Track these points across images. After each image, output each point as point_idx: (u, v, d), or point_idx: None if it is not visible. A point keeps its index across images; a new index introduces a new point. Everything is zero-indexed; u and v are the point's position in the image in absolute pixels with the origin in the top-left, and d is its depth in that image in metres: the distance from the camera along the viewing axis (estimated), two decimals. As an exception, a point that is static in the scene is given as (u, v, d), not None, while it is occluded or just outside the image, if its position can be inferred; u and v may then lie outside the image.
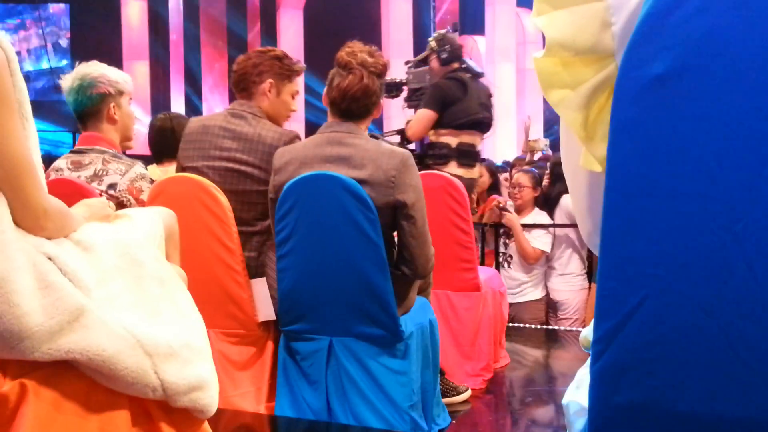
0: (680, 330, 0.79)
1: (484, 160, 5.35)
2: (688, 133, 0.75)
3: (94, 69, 2.48)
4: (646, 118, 0.78)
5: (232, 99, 2.66)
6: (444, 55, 3.70)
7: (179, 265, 1.67)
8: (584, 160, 1.04)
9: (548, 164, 4.83)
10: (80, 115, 2.51)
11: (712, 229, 0.77)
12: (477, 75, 3.75)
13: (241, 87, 2.45)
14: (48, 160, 2.67)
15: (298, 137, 2.40)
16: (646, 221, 0.80)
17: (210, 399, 1.42)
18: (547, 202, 4.45)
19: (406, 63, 4.10)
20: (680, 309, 0.79)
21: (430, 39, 3.85)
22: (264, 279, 2.33)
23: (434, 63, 3.77)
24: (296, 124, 13.79)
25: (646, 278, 0.80)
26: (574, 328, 4.23)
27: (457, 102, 3.58)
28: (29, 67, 15.05)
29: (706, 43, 0.73)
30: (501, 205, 4.38)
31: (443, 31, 3.91)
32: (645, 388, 0.81)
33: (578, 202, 1.18)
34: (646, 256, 0.80)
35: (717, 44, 0.73)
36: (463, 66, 3.74)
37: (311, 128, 13.23)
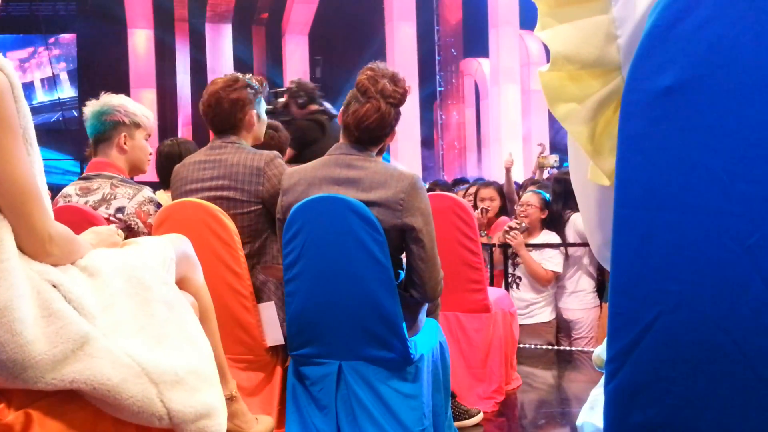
0: (696, 347, 0.77)
1: (492, 182, 5.34)
2: (698, 145, 0.74)
3: (117, 99, 2.54)
4: (655, 131, 0.76)
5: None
6: (300, 100, 3.93)
7: (202, 285, 1.67)
8: (592, 174, 1.02)
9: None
10: (94, 140, 2.56)
11: (725, 243, 0.75)
12: (332, 116, 3.95)
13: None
14: (56, 188, 2.69)
15: (278, 157, 2.41)
16: (657, 235, 0.78)
17: (218, 427, 1.40)
18: (553, 221, 4.42)
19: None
20: (695, 325, 0.77)
21: (288, 86, 4.09)
22: (272, 303, 2.31)
23: (293, 108, 3.97)
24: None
25: (659, 294, 0.78)
26: (585, 349, 4.18)
27: (316, 141, 3.76)
28: (43, 97, 15.23)
29: (714, 54, 0.72)
30: (507, 228, 4.36)
31: (296, 79, 4.24)
32: (662, 407, 0.78)
33: (588, 217, 1.16)
34: (658, 271, 0.78)
35: (726, 54, 0.71)
36: (321, 108, 3.94)
37: (318, 152, 13.26)
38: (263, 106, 2.55)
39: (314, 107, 3.93)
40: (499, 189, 4.99)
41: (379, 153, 2.36)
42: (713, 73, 0.72)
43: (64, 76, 15.44)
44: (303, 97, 3.92)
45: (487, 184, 5.25)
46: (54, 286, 1.26)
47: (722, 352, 0.75)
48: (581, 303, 4.31)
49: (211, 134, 2.53)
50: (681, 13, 0.75)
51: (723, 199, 0.73)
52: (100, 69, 13.66)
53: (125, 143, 2.52)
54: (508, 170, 5.44)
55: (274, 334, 2.32)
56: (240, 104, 2.41)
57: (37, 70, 15.34)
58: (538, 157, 6.63)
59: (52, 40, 15.22)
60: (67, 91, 14.98)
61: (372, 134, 2.15)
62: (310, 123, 3.86)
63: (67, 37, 15.41)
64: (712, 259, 0.76)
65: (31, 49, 15.37)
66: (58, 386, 1.22)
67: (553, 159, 6.50)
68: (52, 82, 15.05)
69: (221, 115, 2.41)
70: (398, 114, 2.21)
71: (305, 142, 3.77)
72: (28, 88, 14.72)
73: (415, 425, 2.12)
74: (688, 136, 0.74)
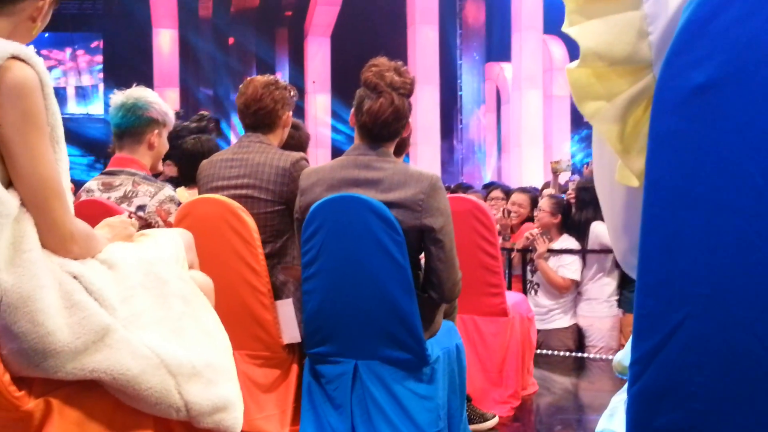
0: (724, 351, 0.75)
1: (529, 190, 5.32)
2: (732, 144, 0.72)
3: (152, 95, 2.51)
4: (688, 129, 0.75)
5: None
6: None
7: (200, 270, 1.67)
8: (620, 175, 1.01)
9: (574, 189, 4.77)
10: (121, 132, 2.49)
11: (757, 245, 0.73)
12: None
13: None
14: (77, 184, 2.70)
15: (304, 159, 2.41)
16: (687, 237, 0.76)
17: (234, 420, 1.40)
18: (575, 227, 4.39)
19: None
20: (724, 329, 0.75)
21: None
22: (290, 300, 2.32)
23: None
24: (322, 149, 13.90)
25: (688, 296, 0.77)
26: (603, 356, 4.14)
27: None
28: (75, 108, 15.48)
29: (751, 50, 0.71)
30: (530, 238, 4.33)
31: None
32: (687, 411, 0.77)
33: (613, 220, 1.14)
34: (687, 273, 0.77)
35: (762, 52, 0.70)
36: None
37: (336, 153, 13.31)
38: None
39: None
40: (533, 198, 4.94)
41: (400, 154, 2.35)
42: (748, 70, 0.70)
43: (93, 85, 15.69)
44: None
45: (524, 190, 5.25)
46: (75, 277, 1.27)
47: (751, 356, 0.73)
48: (594, 311, 4.28)
49: (232, 137, 2.54)
50: (716, 9, 0.73)
51: (756, 200, 0.72)
52: (125, 67, 13.80)
53: (155, 141, 2.52)
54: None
55: (291, 331, 2.32)
56: (282, 103, 2.46)
57: (71, 77, 15.62)
58: (551, 163, 6.65)
59: (80, 52, 15.45)
60: (97, 106, 15.17)
61: (390, 128, 2.14)
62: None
63: (95, 43, 15.66)
64: (743, 262, 0.74)
65: (61, 55, 15.61)
66: (78, 376, 1.23)
67: (565, 163, 6.48)
68: (83, 93, 15.26)
69: (262, 111, 2.44)
70: (410, 105, 2.19)
71: None
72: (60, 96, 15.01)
73: (430, 427, 2.11)
74: (721, 136, 0.73)
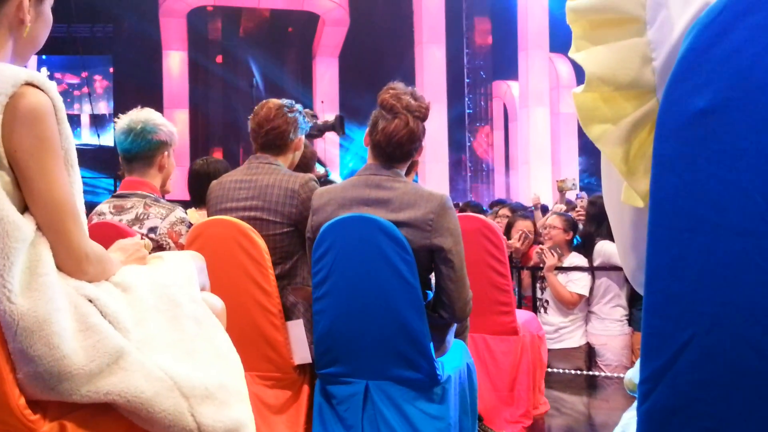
0: (730, 369, 0.76)
1: (529, 215, 5.35)
2: (733, 167, 0.74)
3: (156, 116, 2.51)
4: (689, 152, 0.76)
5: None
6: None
7: (211, 291, 1.68)
8: (626, 196, 1.02)
9: (584, 206, 4.80)
10: (131, 157, 2.50)
11: (759, 265, 0.74)
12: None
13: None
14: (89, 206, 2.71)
15: (313, 180, 2.43)
16: (691, 258, 0.78)
17: (246, 442, 1.40)
18: (584, 244, 4.39)
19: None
20: (730, 348, 0.76)
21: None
22: (300, 321, 2.32)
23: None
24: (330, 168, 13.94)
25: (693, 315, 0.78)
26: (615, 375, 4.12)
27: None
28: (89, 138, 15.56)
29: (749, 77, 0.72)
30: (540, 253, 4.35)
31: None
32: (696, 429, 0.78)
33: (621, 239, 1.16)
34: (692, 293, 0.78)
35: (761, 77, 0.71)
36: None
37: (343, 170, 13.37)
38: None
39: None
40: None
41: (409, 173, 2.37)
42: (748, 95, 0.72)
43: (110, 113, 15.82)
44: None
45: (526, 216, 5.25)
46: (90, 300, 1.28)
47: (758, 374, 0.74)
48: (606, 329, 4.26)
49: (241, 155, 2.57)
50: (717, 36, 0.75)
51: (758, 221, 0.73)
52: (135, 89, 13.94)
53: (165, 162, 2.55)
54: (536, 206, 5.51)
55: (301, 352, 2.32)
56: (294, 126, 2.51)
57: (86, 104, 15.74)
58: (557, 182, 6.70)
59: (98, 77, 15.59)
60: (109, 138, 15.34)
61: (403, 150, 2.17)
62: None
63: (104, 59, 15.81)
64: (746, 282, 0.75)
65: (74, 79, 15.76)
66: (93, 399, 1.24)
67: (571, 181, 6.54)
68: (95, 121, 15.37)
69: (274, 132, 2.47)
70: (424, 129, 2.22)
71: None
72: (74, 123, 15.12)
73: (442, 447, 2.11)
74: (722, 158, 0.74)
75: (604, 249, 4.22)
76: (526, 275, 4.54)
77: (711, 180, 0.75)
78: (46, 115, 1.25)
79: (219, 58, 16.31)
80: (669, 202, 0.78)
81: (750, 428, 0.75)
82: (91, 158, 13.32)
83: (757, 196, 0.72)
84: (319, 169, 4.07)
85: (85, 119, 15.88)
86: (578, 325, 4.29)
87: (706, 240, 0.76)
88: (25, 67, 1.31)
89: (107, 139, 14.47)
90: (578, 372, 4.20)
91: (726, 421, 0.76)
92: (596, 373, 4.22)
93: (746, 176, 0.72)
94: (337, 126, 3.91)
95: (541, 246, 4.41)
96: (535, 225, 4.90)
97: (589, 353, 4.34)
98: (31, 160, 1.24)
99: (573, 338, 4.28)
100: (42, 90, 1.26)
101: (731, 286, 0.75)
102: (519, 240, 4.59)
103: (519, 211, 5.60)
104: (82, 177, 1.42)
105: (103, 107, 15.86)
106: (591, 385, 4.04)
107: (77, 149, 1.39)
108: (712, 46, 0.75)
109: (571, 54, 1.04)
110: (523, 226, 4.80)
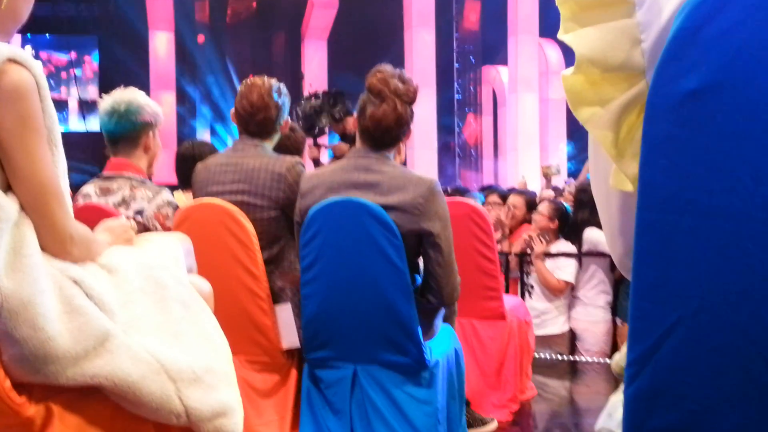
0: (717, 353, 0.76)
1: (525, 192, 5.37)
2: (723, 149, 0.73)
3: (140, 96, 2.47)
4: (679, 134, 0.76)
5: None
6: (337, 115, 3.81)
7: (198, 274, 1.66)
8: (614, 180, 1.02)
9: (570, 192, 4.83)
10: (116, 138, 2.47)
11: (748, 249, 0.74)
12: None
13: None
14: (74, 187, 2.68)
15: (300, 163, 2.41)
16: (679, 240, 0.78)
17: (234, 426, 1.40)
18: (572, 229, 4.41)
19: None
20: (716, 331, 0.76)
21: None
22: (288, 305, 2.32)
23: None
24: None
25: (680, 299, 0.78)
26: (596, 359, 4.15)
27: None
28: (77, 125, 15.38)
29: (740, 58, 0.72)
30: (528, 240, 4.38)
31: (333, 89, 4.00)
32: (682, 412, 0.78)
33: (609, 224, 1.16)
34: (679, 276, 0.78)
35: (752, 59, 0.71)
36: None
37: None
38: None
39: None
40: (529, 201, 4.98)
41: (397, 155, 2.35)
42: (739, 77, 0.72)
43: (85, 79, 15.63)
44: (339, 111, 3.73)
45: (520, 192, 5.31)
46: (75, 282, 1.27)
47: (743, 357, 0.75)
48: (589, 315, 4.28)
49: (229, 140, 2.55)
50: (707, 16, 0.75)
51: (747, 203, 0.73)
52: (121, 70, 13.79)
53: (151, 143, 2.52)
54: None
55: (289, 336, 2.32)
56: (282, 110, 2.47)
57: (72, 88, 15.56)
58: (541, 168, 6.76)
59: (87, 58, 15.40)
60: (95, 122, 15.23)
61: (391, 134, 2.15)
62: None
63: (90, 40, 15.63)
64: (734, 265, 0.75)
65: (74, 55, 15.56)
66: (79, 381, 1.23)
67: (555, 168, 6.62)
68: (83, 108, 15.21)
69: (263, 117, 2.43)
70: (412, 112, 2.21)
71: None
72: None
73: (429, 431, 2.12)
74: (712, 140, 0.74)
75: (591, 235, 4.23)
76: (513, 259, 4.55)
77: (699, 162, 0.74)
78: (29, 93, 1.23)
79: (206, 39, 16.15)
80: (657, 184, 0.78)
81: (734, 411, 0.75)
82: (76, 144, 13.20)
83: (747, 179, 0.72)
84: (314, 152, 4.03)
85: (73, 104, 15.71)
86: (562, 312, 4.31)
87: (695, 222, 0.76)
88: (8, 43, 1.28)
89: (94, 124, 14.40)
90: (561, 357, 4.22)
91: (711, 404, 0.76)
92: (578, 359, 4.25)
93: (735, 158, 0.72)
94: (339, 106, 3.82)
95: (529, 233, 4.42)
96: (527, 204, 4.93)
97: (572, 339, 4.36)
98: (14, 139, 1.22)
99: (556, 325, 4.30)
100: (25, 67, 1.23)
101: (719, 270, 0.75)
102: (506, 215, 4.64)
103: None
104: (70, 167, 1.40)
105: (93, 92, 15.68)
106: (574, 370, 4.07)
107: (64, 135, 1.37)
108: (703, 26, 0.75)
109: (559, 36, 1.03)
110: (513, 201, 4.87)
